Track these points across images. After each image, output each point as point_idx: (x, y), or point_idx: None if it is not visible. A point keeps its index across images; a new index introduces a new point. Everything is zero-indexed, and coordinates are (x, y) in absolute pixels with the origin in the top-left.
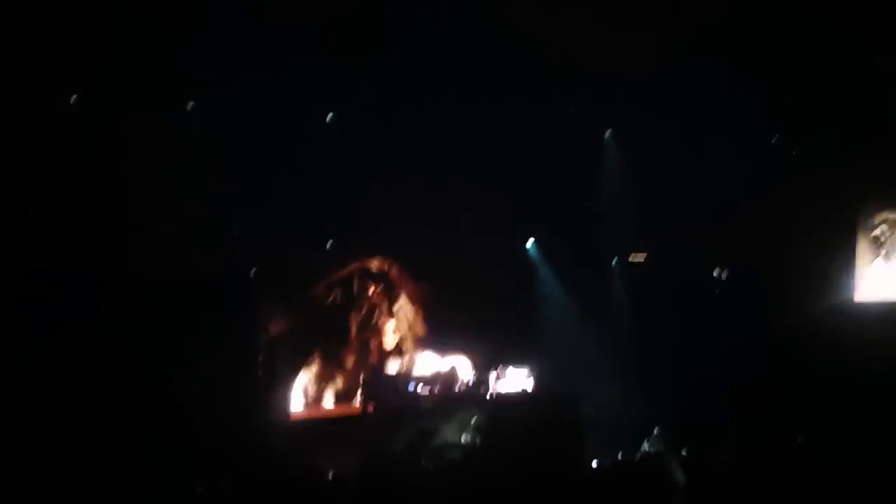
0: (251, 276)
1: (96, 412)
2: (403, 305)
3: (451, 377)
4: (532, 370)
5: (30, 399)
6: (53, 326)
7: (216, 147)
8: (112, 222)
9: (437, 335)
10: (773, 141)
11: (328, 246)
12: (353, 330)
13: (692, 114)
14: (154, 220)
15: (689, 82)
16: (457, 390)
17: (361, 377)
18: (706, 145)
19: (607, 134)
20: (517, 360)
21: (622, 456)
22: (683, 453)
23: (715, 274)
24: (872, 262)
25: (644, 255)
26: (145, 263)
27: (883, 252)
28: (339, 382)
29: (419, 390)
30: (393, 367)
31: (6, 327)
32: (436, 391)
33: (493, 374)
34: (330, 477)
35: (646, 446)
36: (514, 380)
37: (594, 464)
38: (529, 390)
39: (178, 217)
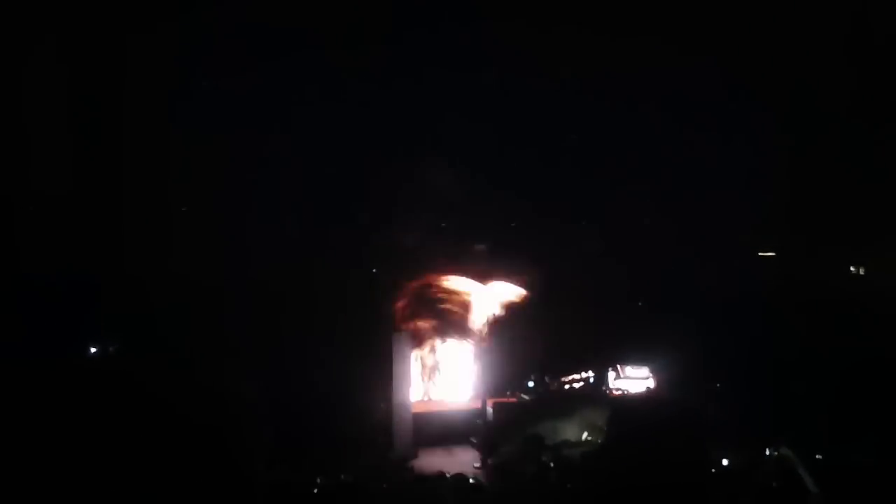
0: (371, 273)
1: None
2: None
3: (569, 374)
4: (653, 369)
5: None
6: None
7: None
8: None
9: (554, 331)
10: None
11: (443, 225)
12: (467, 323)
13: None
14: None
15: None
16: (576, 387)
17: (479, 371)
18: (840, 134)
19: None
20: (637, 359)
21: (750, 457)
22: (818, 457)
23: (852, 270)
24: None
25: (772, 251)
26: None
27: None
28: (456, 375)
29: (538, 386)
30: (509, 362)
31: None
32: (554, 387)
33: (612, 373)
34: (448, 475)
35: (775, 449)
36: (635, 378)
37: (724, 462)
38: (650, 388)
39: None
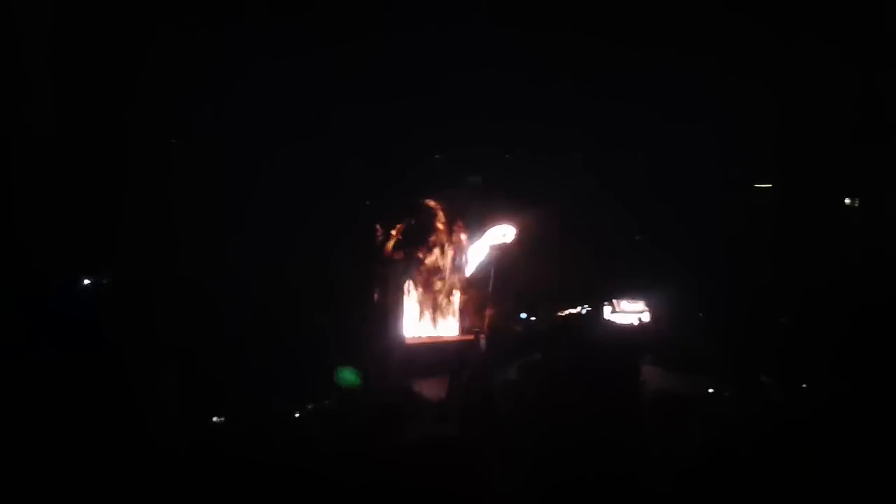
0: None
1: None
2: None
3: (565, 308)
4: (648, 303)
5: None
6: None
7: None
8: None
9: (549, 263)
10: None
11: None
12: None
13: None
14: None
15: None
16: (570, 321)
17: (473, 305)
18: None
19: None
20: (634, 293)
21: (735, 386)
22: (803, 386)
23: (847, 202)
24: None
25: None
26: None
27: None
28: (451, 309)
29: (531, 318)
30: (505, 295)
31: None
32: (549, 320)
33: (607, 307)
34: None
35: (753, 377)
36: (630, 312)
37: (710, 390)
38: (643, 321)
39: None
